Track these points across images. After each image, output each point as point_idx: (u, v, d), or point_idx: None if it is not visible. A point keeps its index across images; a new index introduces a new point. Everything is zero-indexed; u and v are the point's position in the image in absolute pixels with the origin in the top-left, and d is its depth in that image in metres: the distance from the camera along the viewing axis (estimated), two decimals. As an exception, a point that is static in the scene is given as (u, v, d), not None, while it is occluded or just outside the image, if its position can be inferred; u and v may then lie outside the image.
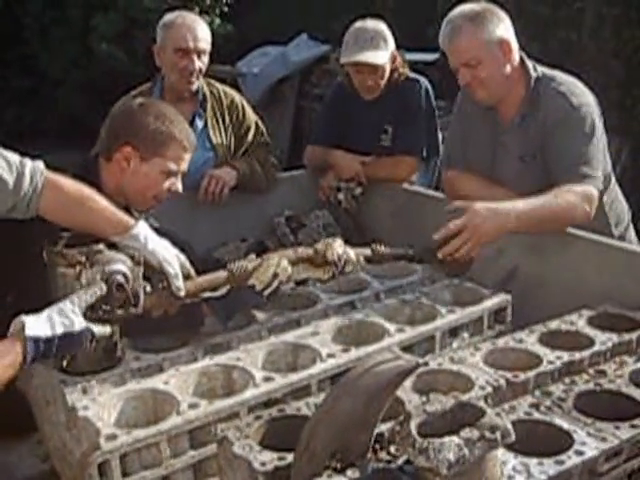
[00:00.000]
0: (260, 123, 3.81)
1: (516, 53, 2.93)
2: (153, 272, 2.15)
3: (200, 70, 3.50)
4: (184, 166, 2.60)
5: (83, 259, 2.02)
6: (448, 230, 2.59)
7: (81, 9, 11.32)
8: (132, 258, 2.08)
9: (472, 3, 2.94)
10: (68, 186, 2.16)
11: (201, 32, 3.48)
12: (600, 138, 2.90)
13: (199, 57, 3.47)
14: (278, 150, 3.91)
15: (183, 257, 2.22)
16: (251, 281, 2.31)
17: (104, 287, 1.97)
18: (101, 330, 1.96)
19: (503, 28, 2.89)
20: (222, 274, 2.28)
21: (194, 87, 3.53)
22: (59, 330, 1.83)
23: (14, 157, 2.08)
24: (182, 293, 2.17)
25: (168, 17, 3.56)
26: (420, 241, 2.93)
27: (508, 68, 2.91)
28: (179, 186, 2.62)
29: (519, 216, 2.66)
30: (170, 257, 2.17)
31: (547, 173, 2.87)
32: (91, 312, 1.94)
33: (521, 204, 2.70)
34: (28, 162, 2.10)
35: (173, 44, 3.45)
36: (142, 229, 2.18)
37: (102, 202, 2.19)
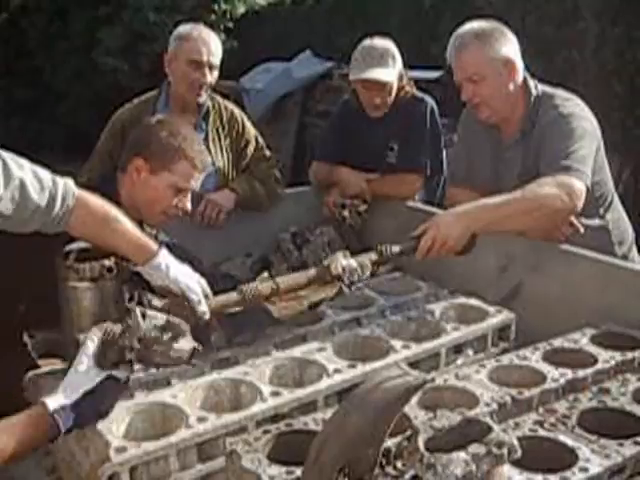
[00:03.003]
0: (260, 137, 3.84)
1: (520, 73, 2.97)
2: (175, 298, 2.16)
3: (210, 84, 3.54)
4: (194, 184, 2.64)
5: (95, 274, 2.05)
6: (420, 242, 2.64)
7: (86, 22, 11.39)
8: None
9: (482, 21, 2.99)
10: (96, 206, 2.17)
11: (215, 47, 3.53)
12: (591, 145, 2.90)
13: (210, 71, 3.52)
14: (280, 164, 3.94)
15: (204, 281, 2.23)
16: (268, 307, 2.34)
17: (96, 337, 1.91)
18: (123, 374, 1.91)
19: (510, 48, 2.93)
20: (234, 296, 2.29)
21: (201, 100, 3.57)
22: (75, 396, 1.82)
23: (46, 176, 2.08)
24: (207, 316, 2.18)
25: (184, 28, 3.60)
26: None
27: (511, 87, 2.95)
28: (187, 205, 2.66)
29: (481, 215, 2.69)
30: (192, 284, 2.18)
31: None
32: (108, 354, 1.90)
33: (486, 202, 2.73)
34: (60, 181, 2.10)
35: (187, 55, 3.49)
36: (163, 258, 2.19)
37: (127, 224, 2.20)
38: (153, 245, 2.21)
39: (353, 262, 2.50)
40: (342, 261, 2.47)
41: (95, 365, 1.86)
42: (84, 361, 1.86)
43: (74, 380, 1.84)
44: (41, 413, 1.78)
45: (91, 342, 1.88)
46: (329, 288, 2.48)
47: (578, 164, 2.78)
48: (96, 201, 2.18)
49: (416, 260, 2.68)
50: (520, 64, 2.96)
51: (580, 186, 2.75)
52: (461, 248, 2.67)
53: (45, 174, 2.09)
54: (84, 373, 1.85)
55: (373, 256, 2.58)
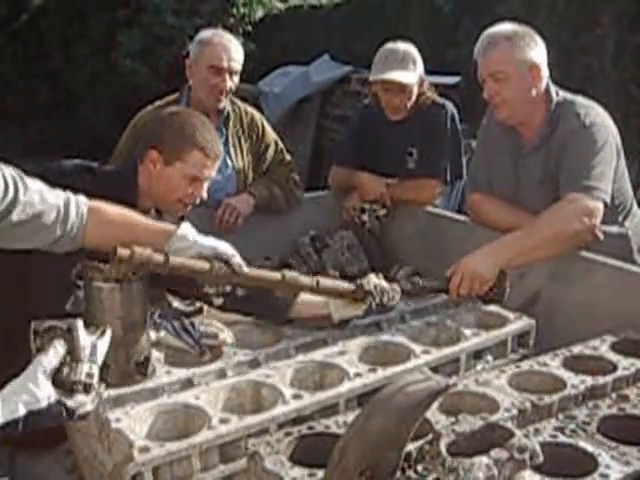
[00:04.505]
0: (279, 141, 3.86)
1: (544, 80, 2.99)
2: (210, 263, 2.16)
3: (230, 89, 3.56)
4: (208, 173, 2.65)
5: (121, 275, 2.07)
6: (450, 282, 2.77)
7: (105, 25, 11.46)
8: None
9: (514, 24, 3.02)
10: (109, 209, 2.15)
11: (236, 53, 3.55)
12: (611, 157, 2.93)
13: (231, 77, 3.53)
14: (298, 170, 3.95)
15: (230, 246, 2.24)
16: None
17: (61, 349, 1.75)
18: (75, 403, 1.72)
19: (538, 53, 2.96)
20: (275, 275, 2.31)
21: (221, 105, 3.59)
22: (21, 411, 1.65)
23: (58, 192, 2.08)
24: (245, 268, 2.20)
25: (205, 34, 3.62)
26: (442, 263, 2.98)
27: (533, 92, 2.97)
28: (203, 193, 2.67)
29: (507, 249, 2.80)
30: (221, 244, 2.19)
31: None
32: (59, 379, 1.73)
33: (509, 238, 2.83)
34: (71, 195, 2.11)
35: (208, 61, 3.50)
36: (187, 229, 2.19)
37: (139, 216, 2.21)
38: (172, 225, 2.22)
39: (385, 284, 2.57)
40: (375, 280, 2.54)
41: (46, 383, 1.70)
42: (39, 377, 1.70)
43: (18, 396, 1.67)
44: None
45: (53, 356, 1.74)
46: (358, 305, 2.53)
47: (597, 182, 2.83)
48: (108, 206, 2.16)
49: (452, 300, 2.80)
50: (545, 71, 2.98)
51: (599, 206, 2.82)
52: (492, 286, 2.75)
53: (56, 190, 2.07)
54: (32, 388, 1.68)
55: (406, 285, 2.68)
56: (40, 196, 2.00)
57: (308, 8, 11.47)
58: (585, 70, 6.58)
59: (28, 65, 12.91)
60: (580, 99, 3.03)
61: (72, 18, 12.24)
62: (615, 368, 2.25)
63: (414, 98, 3.72)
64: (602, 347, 2.39)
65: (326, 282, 2.41)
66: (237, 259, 2.21)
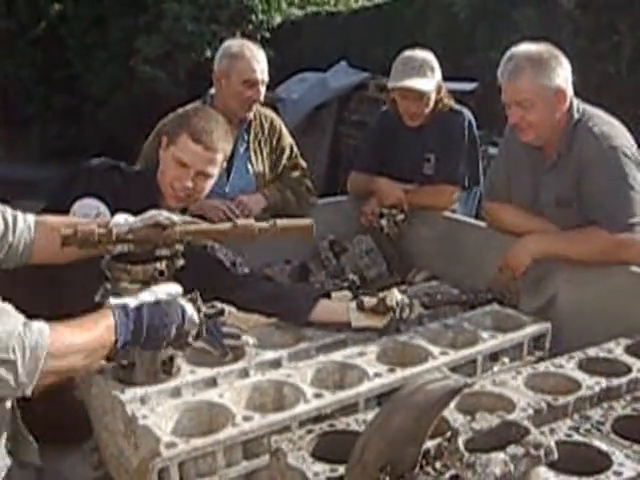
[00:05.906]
0: (294, 146, 3.91)
1: (568, 101, 2.96)
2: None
3: (260, 99, 3.62)
4: (198, 163, 2.67)
5: (148, 277, 2.13)
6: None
7: (124, 31, 11.54)
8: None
9: (538, 44, 2.98)
10: (50, 218, 2.22)
11: (264, 63, 3.60)
12: (636, 178, 2.91)
13: (262, 87, 3.59)
14: (315, 175, 3.99)
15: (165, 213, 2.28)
16: None
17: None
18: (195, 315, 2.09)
19: (563, 76, 2.92)
20: (225, 225, 2.35)
21: (251, 114, 3.65)
22: (148, 298, 1.98)
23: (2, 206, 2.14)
24: (176, 219, 2.23)
25: (233, 46, 3.63)
26: (459, 268, 3.02)
27: (558, 115, 2.95)
28: (188, 183, 2.68)
29: (541, 244, 3.00)
30: (148, 213, 2.23)
31: (583, 216, 2.94)
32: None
33: (549, 235, 3.03)
34: (18, 211, 2.16)
35: (242, 75, 3.53)
36: (121, 216, 2.24)
37: (76, 218, 2.29)
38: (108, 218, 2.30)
39: (407, 299, 2.66)
40: (398, 296, 2.61)
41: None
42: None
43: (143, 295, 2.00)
44: (103, 312, 1.90)
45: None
46: (379, 318, 2.59)
47: (631, 218, 2.86)
48: (50, 217, 2.23)
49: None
50: (570, 92, 2.95)
51: (638, 239, 2.88)
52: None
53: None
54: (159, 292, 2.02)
55: (424, 299, 2.79)
56: None
57: (326, 15, 11.53)
58: (601, 77, 6.59)
59: (47, 71, 13.01)
60: (599, 114, 3.01)
61: (91, 24, 12.33)
62: (629, 370, 2.29)
63: (432, 105, 3.76)
64: (617, 350, 2.42)
65: (283, 222, 2.42)
66: (164, 215, 2.22)
